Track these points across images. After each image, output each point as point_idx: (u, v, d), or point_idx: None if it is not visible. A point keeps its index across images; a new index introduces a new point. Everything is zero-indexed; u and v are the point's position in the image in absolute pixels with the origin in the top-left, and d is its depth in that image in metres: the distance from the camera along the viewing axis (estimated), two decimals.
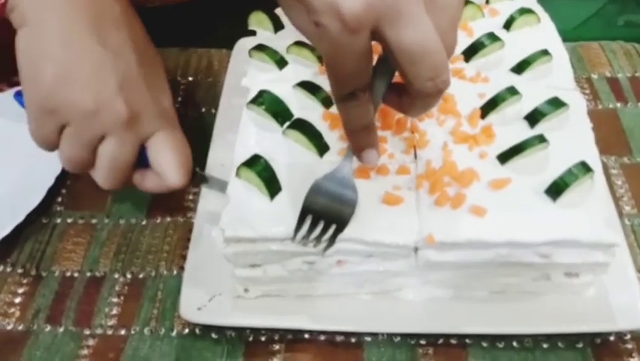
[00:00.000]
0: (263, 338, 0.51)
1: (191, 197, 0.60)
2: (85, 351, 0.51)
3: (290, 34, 0.60)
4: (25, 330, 0.52)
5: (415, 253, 0.47)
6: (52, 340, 0.51)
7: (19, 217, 0.57)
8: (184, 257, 0.55)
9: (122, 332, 0.52)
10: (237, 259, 0.48)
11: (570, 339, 0.50)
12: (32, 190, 0.58)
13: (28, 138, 0.63)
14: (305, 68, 0.57)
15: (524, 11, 0.59)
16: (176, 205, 0.60)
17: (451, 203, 0.46)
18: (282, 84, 0.55)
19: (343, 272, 0.49)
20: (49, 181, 0.59)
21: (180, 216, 0.59)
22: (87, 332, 0.52)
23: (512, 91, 0.52)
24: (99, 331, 0.52)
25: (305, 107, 0.54)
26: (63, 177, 0.61)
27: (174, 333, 0.51)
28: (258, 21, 0.62)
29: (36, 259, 0.57)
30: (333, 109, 0.53)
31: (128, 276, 0.55)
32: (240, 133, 0.53)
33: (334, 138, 0.51)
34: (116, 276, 0.55)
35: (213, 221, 0.53)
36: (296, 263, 0.49)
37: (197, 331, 0.51)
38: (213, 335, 0.51)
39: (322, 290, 0.50)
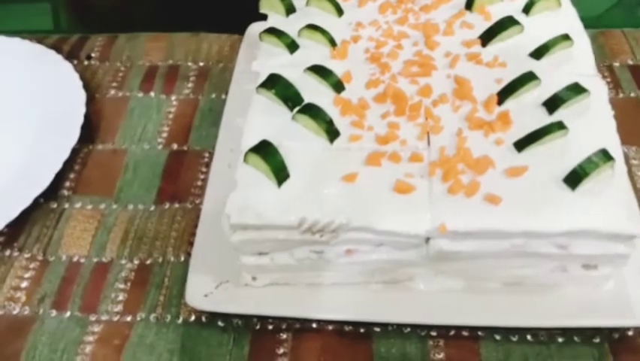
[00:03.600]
0: (270, 327, 0.50)
1: (199, 183, 0.59)
2: (90, 337, 0.50)
3: (302, 17, 0.59)
4: (31, 315, 0.52)
5: (426, 242, 0.46)
6: (57, 325, 0.51)
7: (27, 202, 0.56)
8: (192, 244, 0.54)
9: (128, 318, 0.51)
10: (244, 246, 0.47)
11: (587, 334, 0.48)
12: (40, 175, 0.58)
13: (35, 122, 0.63)
14: (316, 51, 0.56)
15: None
16: (185, 191, 0.59)
17: (464, 191, 0.45)
18: (293, 68, 0.54)
19: (353, 261, 0.48)
20: (57, 166, 0.58)
21: (188, 203, 0.58)
22: (93, 318, 0.51)
23: (531, 76, 0.50)
24: (105, 317, 0.51)
25: (316, 91, 0.52)
26: (71, 162, 0.61)
27: (180, 320, 0.51)
28: (269, 4, 0.60)
29: (43, 243, 0.56)
30: (344, 94, 0.52)
31: (135, 262, 0.54)
32: (249, 118, 0.51)
33: (345, 123, 0.50)
34: (123, 262, 0.54)
35: (221, 207, 0.52)
36: (304, 252, 0.47)
37: (203, 318, 0.50)
38: (220, 323, 0.50)
39: (331, 279, 0.49)
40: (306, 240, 0.46)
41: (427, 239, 0.46)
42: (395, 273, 0.49)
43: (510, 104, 0.50)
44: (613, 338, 0.48)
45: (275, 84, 0.52)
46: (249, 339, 0.49)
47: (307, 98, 0.52)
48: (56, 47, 0.71)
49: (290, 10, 0.60)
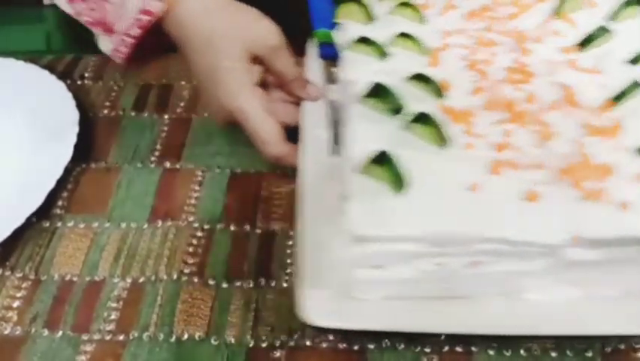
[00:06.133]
0: (264, 345, 0.50)
1: (192, 201, 0.60)
2: (82, 357, 0.49)
3: (385, 25, 0.58)
4: (22, 335, 0.51)
5: (555, 251, 0.44)
6: (49, 345, 0.50)
7: (19, 220, 0.56)
8: (184, 262, 0.54)
9: (121, 337, 0.51)
10: (362, 260, 0.46)
11: (578, 348, 0.48)
12: (33, 194, 0.58)
13: (28, 141, 0.64)
14: (408, 59, 0.56)
15: (629, 3, 0.58)
16: (178, 209, 0.59)
17: (593, 198, 0.44)
18: (388, 76, 0.53)
19: (477, 273, 0.46)
20: (50, 184, 0.58)
21: (181, 221, 0.58)
22: (85, 337, 0.51)
23: (636, 85, 0.50)
24: (97, 336, 0.51)
25: (419, 99, 0.52)
26: (64, 181, 0.61)
27: (173, 339, 0.50)
28: (347, 13, 0.60)
29: (35, 262, 0.56)
30: (448, 102, 0.52)
31: (128, 280, 0.54)
32: (352, 128, 0.51)
33: (455, 131, 0.49)
34: (116, 281, 0.54)
35: (322, 222, 0.50)
36: (427, 264, 0.46)
37: (196, 337, 0.50)
38: (213, 341, 0.50)
39: (452, 292, 0.47)
40: (432, 252, 0.45)
41: (555, 248, 0.44)
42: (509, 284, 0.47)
43: (620, 110, 0.50)
44: (605, 351, 0.48)
45: (380, 93, 0.51)
46: (242, 357, 0.49)
47: (411, 106, 0.51)
48: (50, 67, 0.71)
49: (370, 18, 0.60)
